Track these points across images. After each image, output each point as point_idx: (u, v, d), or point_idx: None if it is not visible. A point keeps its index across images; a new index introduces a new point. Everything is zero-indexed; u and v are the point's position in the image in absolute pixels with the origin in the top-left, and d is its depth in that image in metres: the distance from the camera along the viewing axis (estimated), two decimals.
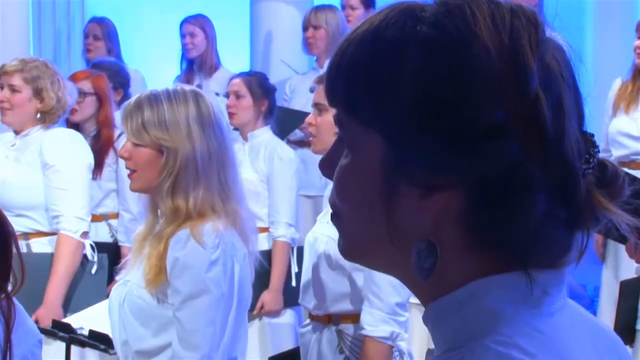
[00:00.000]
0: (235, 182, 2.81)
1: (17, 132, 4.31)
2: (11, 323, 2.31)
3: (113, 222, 5.09)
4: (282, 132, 5.32)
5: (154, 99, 2.77)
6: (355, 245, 1.04)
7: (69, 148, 4.30)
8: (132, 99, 2.83)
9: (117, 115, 5.22)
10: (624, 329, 3.88)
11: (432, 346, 1.05)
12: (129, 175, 2.83)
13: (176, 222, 2.71)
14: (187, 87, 2.87)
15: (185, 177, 2.72)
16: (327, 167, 1.05)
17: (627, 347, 3.95)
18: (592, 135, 1.01)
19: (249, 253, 2.79)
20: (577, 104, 1.00)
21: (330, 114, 3.17)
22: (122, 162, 4.90)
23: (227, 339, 2.70)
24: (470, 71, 0.95)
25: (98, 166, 4.81)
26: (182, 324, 2.67)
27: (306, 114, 5.58)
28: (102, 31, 6.68)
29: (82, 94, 4.98)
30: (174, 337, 2.69)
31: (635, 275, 4.48)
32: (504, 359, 0.93)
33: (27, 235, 4.16)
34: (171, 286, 2.69)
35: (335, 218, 1.05)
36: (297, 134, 5.86)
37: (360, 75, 0.99)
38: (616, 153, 5.28)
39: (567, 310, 1.02)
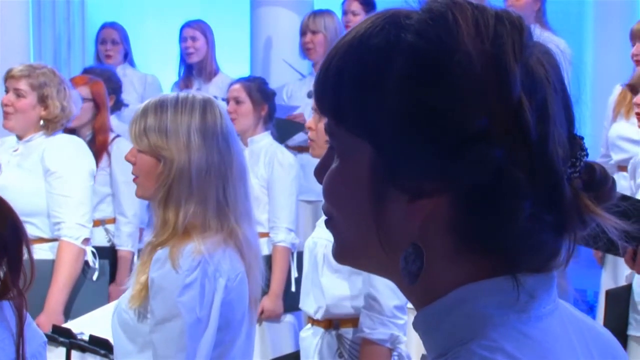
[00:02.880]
0: (239, 199, 2.69)
1: (19, 138, 4.31)
2: (24, 318, 2.36)
3: (110, 226, 5.09)
4: (279, 140, 5.33)
5: (159, 105, 2.69)
6: (347, 249, 1.05)
7: (71, 155, 4.29)
8: (142, 104, 2.76)
9: (111, 120, 5.25)
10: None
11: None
12: (134, 181, 2.76)
13: (164, 235, 2.62)
14: (199, 96, 2.75)
15: (178, 189, 2.63)
16: (321, 174, 1.06)
17: None
18: (582, 138, 1.02)
19: (248, 269, 2.69)
20: (566, 108, 1.01)
21: None
22: (115, 165, 4.95)
23: None
24: (451, 78, 0.95)
25: None
26: (155, 348, 2.59)
27: (302, 125, 5.61)
28: (119, 36, 6.67)
29: (80, 99, 4.99)
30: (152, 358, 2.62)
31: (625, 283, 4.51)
32: None
33: None
34: (149, 305, 2.61)
35: (328, 223, 1.06)
36: (295, 139, 5.86)
37: (347, 83, 1.00)
38: (616, 157, 5.29)
39: (558, 313, 1.02)
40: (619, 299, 4.04)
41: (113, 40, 6.65)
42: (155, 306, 2.59)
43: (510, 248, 0.98)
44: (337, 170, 1.03)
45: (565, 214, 0.98)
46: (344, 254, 1.06)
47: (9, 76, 4.28)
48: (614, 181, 1.03)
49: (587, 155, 1.01)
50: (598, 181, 1.01)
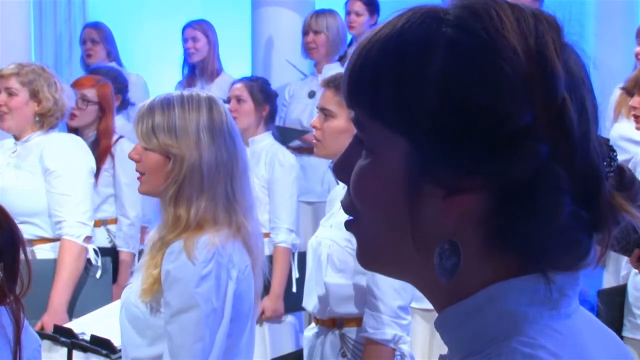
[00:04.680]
0: (243, 193, 2.74)
1: (17, 138, 4.31)
2: (21, 324, 2.34)
3: (112, 227, 5.09)
4: (281, 142, 5.33)
5: (166, 103, 2.73)
6: (374, 249, 1.03)
7: (70, 153, 4.30)
8: (146, 102, 2.78)
9: (117, 120, 5.25)
10: None
11: (441, 352, 1.04)
12: (138, 178, 2.79)
13: (176, 231, 2.67)
14: (203, 94, 2.80)
15: (189, 186, 2.67)
16: (342, 170, 1.05)
17: None
18: (608, 140, 1.02)
19: (254, 263, 2.74)
20: (595, 109, 1.01)
21: (336, 121, 3.18)
22: (118, 166, 4.96)
23: (217, 354, 2.65)
24: (499, 73, 0.95)
25: (95, 173, 4.82)
26: (171, 338, 2.63)
27: (303, 132, 5.61)
28: (99, 35, 6.69)
29: (86, 101, 4.99)
30: (165, 349, 2.65)
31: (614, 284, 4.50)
32: None
33: (30, 242, 4.13)
34: (163, 298, 2.65)
35: (351, 224, 1.04)
36: (296, 140, 5.87)
37: (385, 78, 0.99)
38: (618, 158, 5.26)
39: (579, 312, 1.02)
40: (612, 299, 4.04)
41: (92, 39, 6.68)
42: (171, 298, 2.63)
43: (546, 246, 0.97)
44: (368, 166, 1.01)
45: (602, 212, 0.99)
46: (370, 254, 1.04)
47: None
48: (639, 183, 1.03)
49: (617, 155, 1.02)
50: (627, 182, 1.02)
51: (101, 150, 4.98)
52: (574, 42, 1.01)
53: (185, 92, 2.78)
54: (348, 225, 1.05)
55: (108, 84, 5.14)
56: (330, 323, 3.23)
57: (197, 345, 2.61)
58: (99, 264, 4.30)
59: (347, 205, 1.04)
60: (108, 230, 5.07)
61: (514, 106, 0.94)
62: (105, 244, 5.00)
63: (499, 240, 0.97)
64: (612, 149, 1.01)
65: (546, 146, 0.95)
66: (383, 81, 0.99)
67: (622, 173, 1.02)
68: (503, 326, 0.96)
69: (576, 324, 0.99)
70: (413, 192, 0.97)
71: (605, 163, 1.00)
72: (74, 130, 4.92)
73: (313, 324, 3.33)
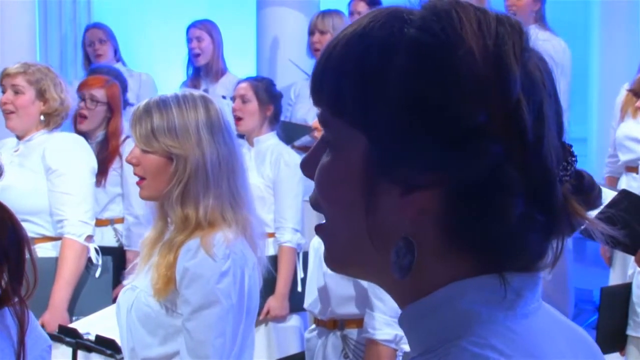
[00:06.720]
0: (245, 189, 2.75)
1: (20, 137, 4.31)
2: (25, 326, 2.33)
3: (119, 226, 5.09)
4: (286, 141, 5.33)
5: (163, 104, 2.71)
6: (338, 250, 1.05)
7: (72, 152, 4.30)
8: (141, 104, 2.76)
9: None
10: (609, 335, 3.87)
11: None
12: (138, 183, 2.77)
13: (186, 231, 2.66)
14: (196, 92, 2.79)
15: (195, 185, 2.67)
16: (308, 167, 1.07)
17: (618, 353, 3.95)
18: (571, 146, 1.03)
19: (257, 260, 2.75)
20: (557, 114, 1.02)
21: None
22: (127, 166, 4.94)
23: (236, 350, 2.66)
24: (454, 73, 0.96)
25: (103, 173, 4.82)
26: (191, 335, 2.62)
27: (309, 128, 5.61)
28: (105, 34, 6.68)
29: (95, 101, 4.99)
30: (182, 347, 2.65)
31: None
32: (480, 359, 0.94)
33: (32, 240, 4.13)
34: (181, 296, 2.65)
35: (319, 227, 1.06)
36: (301, 140, 5.86)
37: (347, 75, 1.01)
38: (623, 157, 5.26)
39: (542, 312, 1.03)
40: (615, 297, 4.03)
41: (100, 39, 6.65)
42: (191, 294, 2.63)
43: (499, 246, 0.98)
44: (329, 163, 1.03)
45: (555, 215, 1.00)
46: (334, 256, 1.06)
47: (4, 75, 4.30)
48: (600, 189, 1.05)
49: (576, 161, 1.03)
50: (586, 188, 1.03)
51: (110, 150, 5.00)
52: (540, 49, 1.02)
53: (179, 92, 2.77)
54: (317, 229, 1.07)
55: (116, 85, 5.14)
56: (331, 324, 3.23)
57: (218, 341, 2.62)
58: (100, 263, 4.31)
59: (313, 202, 1.06)
60: (115, 230, 5.08)
61: (468, 105, 0.96)
62: (113, 243, 5.01)
63: (455, 239, 0.98)
64: (572, 155, 1.02)
65: (499, 146, 0.96)
66: (345, 78, 1.01)
67: (580, 178, 1.03)
68: (456, 325, 0.97)
69: (534, 324, 1.00)
70: (370, 189, 0.99)
71: (561, 167, 1.00)
72: (82, 133, 4.92)
73: (314, 325, 3.34)
